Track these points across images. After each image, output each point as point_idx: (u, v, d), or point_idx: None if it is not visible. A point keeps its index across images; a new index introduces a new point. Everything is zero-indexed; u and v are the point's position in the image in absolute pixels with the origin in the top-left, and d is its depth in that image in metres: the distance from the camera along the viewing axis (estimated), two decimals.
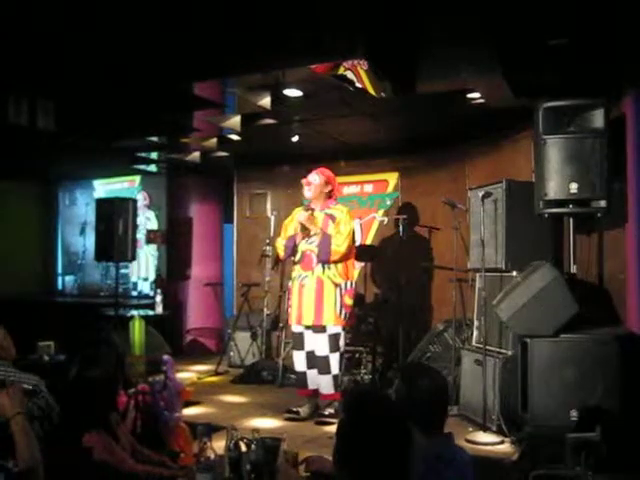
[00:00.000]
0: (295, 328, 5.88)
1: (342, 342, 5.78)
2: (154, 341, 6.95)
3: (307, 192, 5.92)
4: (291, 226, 5.99)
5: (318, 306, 5.68)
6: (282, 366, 7.21)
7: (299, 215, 5.84)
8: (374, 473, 1.88)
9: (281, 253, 6.03)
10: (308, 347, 5.80)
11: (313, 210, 5.85)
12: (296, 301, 5.82)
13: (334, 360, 5.68)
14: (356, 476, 1.91)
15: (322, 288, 5.70)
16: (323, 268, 5.73)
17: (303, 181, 5.94)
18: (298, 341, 5.86)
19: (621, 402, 4.39)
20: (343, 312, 5.73)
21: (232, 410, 6.12)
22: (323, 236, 5.70)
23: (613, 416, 4.12)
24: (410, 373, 2.67)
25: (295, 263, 5.92)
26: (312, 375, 5.79)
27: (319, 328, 5.70)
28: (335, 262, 5.71)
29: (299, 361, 5.87)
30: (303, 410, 5.73)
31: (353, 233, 5.86)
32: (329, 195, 5.96)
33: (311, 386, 5.82)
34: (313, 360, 5.76)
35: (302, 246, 5.83)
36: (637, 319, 4.74)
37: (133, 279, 10.55)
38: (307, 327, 5.77)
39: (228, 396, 6.75)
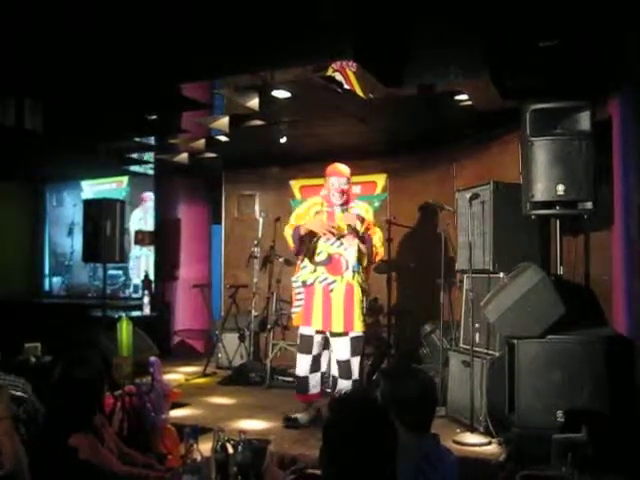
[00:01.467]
0: (304, 330, 5.58)
1: (361, 345, 5.54)
2: (142, 342, 6.91)
3: (338, 199, 5.56)
4: (305, 219, 5.62)
5: (348, 313, 5.42)
6: (270, 368, 7.21)
7: (325, 226, 5.46)
8: (360, 474, 1.88)
9: (291, 243, 5.65)
10: (315, 351, 5.56)
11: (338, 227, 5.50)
12: (320, 305, 5.48)
13: (355, 364, 5.44)
14: (342, 477, 1.91)
15: (352, 294, 5.46)
16: (353, 273, 5.47)
17: (333, 184, 5.58)
18: (305, 344, 5.58)
19: (607, 403, 4.41)
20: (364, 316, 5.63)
21: (219, 412, 6.11)
22: (366, 240, 5.43)
23: (599, 417, 4.15)
24: (395, 374, 2.67)
25: (317, 264, 5.53)
26: (314, 380, 5.59)
27: (342, 332, 5.46)
28: (374, 263, 5.68)
29: (303, 365, 5.59)
30: (302, 417, 5.52)
31: None
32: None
33: (312, 391, 5.60)
34: (317, 364, 5.59)
35: (330, 248, 5.50)
36: (623, 320, 4.76)
37: (135, 281, 10.55)
38: (321, 332, 5.52)
39: (216, 398, 6.73)
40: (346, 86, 5.53)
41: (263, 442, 2.97)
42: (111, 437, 3.35)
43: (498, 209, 5.44)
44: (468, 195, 5.47)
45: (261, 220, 7.85)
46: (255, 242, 7.83)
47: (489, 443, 4.94)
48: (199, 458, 2.74)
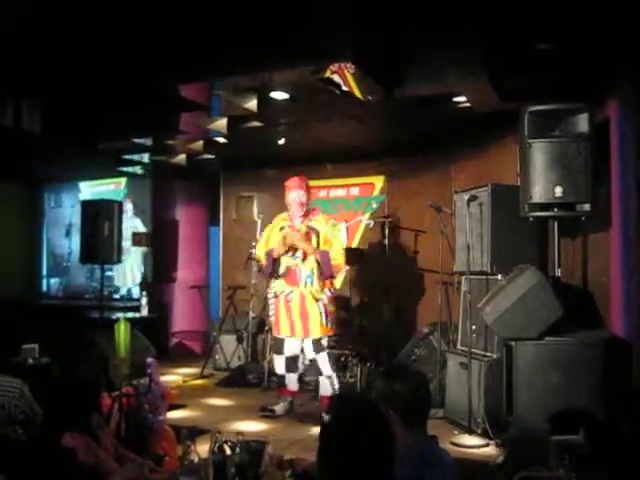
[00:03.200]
0: (286, 335, 5.98)
1: (325, 342, 5.94)
2: (139, 344, 6.90)
3: (299, 211, 5.95)
4: (273, 237, 6.04)
5: (304, 321, 5.84)
6: (267, 369, 7.20)
7: (291, 236, 5.84)
8: (357, 475, 1.88)
9: (263, 262, 6.15)
10: (287, 352, 5.97)
11: (298, 230, 5.91)
12: (284, 315, 5.93)
13: (322, 360, 5.87)
14: (339, 479, 1.91)
15: (305, 303, 5.85)
16: (305, 284, 5.87)
17: (293, 199, 5.94)
18: (278, 346, 6.04)
19: (605, 404, 4.41)
20: (329, 320, 5.93)
21: (217, 413, 6.11)
22: (322, 254, 5.79)
23: (597, 418, 4.14)
24: (390, 372, 2.70)
25: (278, 277, 5.99)
26: (291, 379, 6.04)
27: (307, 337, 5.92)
28: (335, 275, 5.97)
29: (279, 365, 6.07)
30: (278, 408, 5.94)
31: None
32: (309, 200, 6.04)
33: (290, 387, 6.06)
34: (294, 365, 6.01)
35: (286, 261, 5.92)
36: (620, 322, 4.76)
37: (118, 283, 10.51)
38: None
39: (213, 399, 6.73)
40: (344, 88, 5.52)
41: (261, 443, 2.97)
42: (108, 438, 3.34)
43: (496, 211, 5.45)
44: (466, 197, 5.47)
45: (259, 222, 7.83)
46: (253, 244, 7.80)
47: (487, 445, 4.95)
48: (196, 459, 2.73)
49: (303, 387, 6.46)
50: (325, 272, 5.81)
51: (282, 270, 5.96)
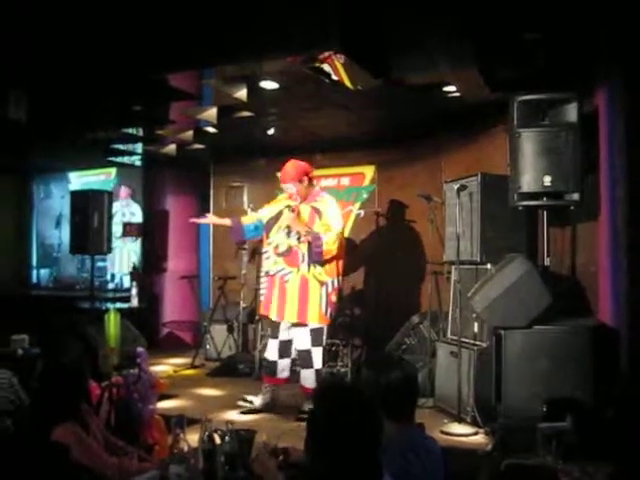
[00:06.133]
0: (273, 317, 5.75)
1: (325, 337, 5.70)
2: (130, 334, 6.93)
3: (295, 201, 5.72)
4: (271, 208, 5.93)
5: (302, 304, 5.56)
6: (258, 359, 7.20)
7: (286, 217, 5.65)
8: (345, 463, 1.89)
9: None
10: (282, 337, 5.70)
11: (297, 211, 5.64)
12: (276, 295, 5.68)
13: (316, 354, 5.59)
14: (327, 466, 1.92)
15: (307, 287, 5.58)
16: (309, 266, 5.58)
17: (289, 192, 5.74)
18: (273, 329, 5.79)
19: (592, 392, 4.44)
20: (329, 311, 5.65)
21: (208, 403, 6.11)
22: (314, 237, 5.47)
23: (584, 406, 4.18)
24: (378, 363, 2.69)
25: (279, 255, 5.71)
26: (283, 365, 5.74)
27: (301, 324, 5.61)
28: (327, 262, 5.60)
29: (272, 349, 5.76)
30: (257, 400, 5.74)
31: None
32: (310, 184, 5.76)
33: (280, 375, 5.77)
34: (287, 350, 5.70)
35: (289, 240, 5.65)
36: (609, 310, 4.79)
37: (112, 271, 10.50)
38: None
39: (204, 389, 6.73)
40: (334, 77, 5.51)
41: (250, 432, 2.98)
42: (97, 427, 3.34)
43: (486, 200, 5.47)
44: (456, 186, 5.47)
45: (249, 211, 7.82)
46: None
47: (476, 433, 4.97)
48: (186, 448, 2.74)
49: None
50: (312, 256, 5.49)
51: (283, 249, 5.66)
